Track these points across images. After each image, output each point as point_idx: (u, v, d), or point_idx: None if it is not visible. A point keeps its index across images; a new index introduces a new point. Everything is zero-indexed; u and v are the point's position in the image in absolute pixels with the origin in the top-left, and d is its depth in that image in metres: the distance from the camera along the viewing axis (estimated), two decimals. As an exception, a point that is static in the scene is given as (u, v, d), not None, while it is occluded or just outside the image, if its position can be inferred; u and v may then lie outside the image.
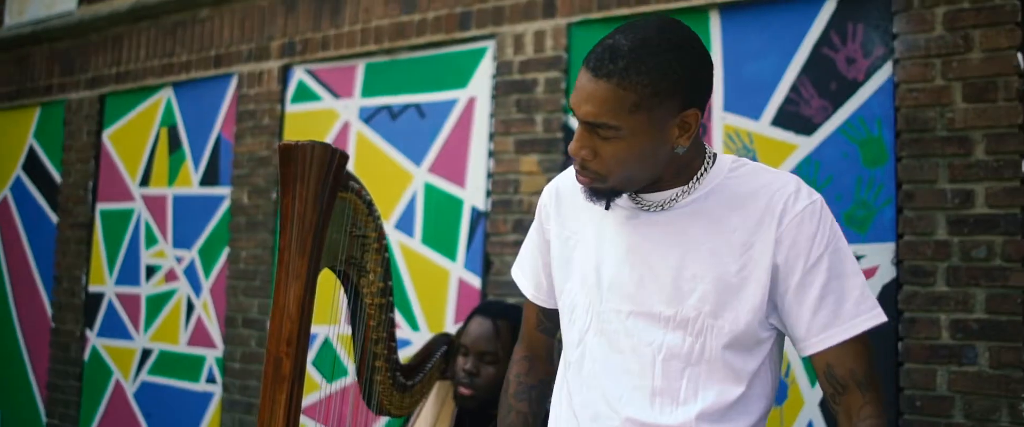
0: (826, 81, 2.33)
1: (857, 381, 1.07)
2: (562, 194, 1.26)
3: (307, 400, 3.11)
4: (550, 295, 1.32)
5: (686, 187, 1.12)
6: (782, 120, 2.39)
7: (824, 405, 2.25)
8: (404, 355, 2.45)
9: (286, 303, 1.43)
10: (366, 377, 1.70)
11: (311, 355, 3.14)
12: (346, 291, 1.70)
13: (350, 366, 2.03)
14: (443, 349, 2.04)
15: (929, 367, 2.10)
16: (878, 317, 1.07)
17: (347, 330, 1.83)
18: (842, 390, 1.07)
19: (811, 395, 2.27)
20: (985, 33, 2.11)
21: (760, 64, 2.41)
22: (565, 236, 1.23)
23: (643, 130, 1.03)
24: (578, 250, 1.21)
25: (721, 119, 2.46)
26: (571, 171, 1.27)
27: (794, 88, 2.37)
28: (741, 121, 2.43)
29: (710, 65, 1.09)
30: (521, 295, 1.41)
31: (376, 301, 1.71)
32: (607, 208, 1.17)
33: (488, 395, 1.90)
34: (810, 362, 1.11)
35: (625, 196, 1.15)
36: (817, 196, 1.10)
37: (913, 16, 2.20)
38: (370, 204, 1.63)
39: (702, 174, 1.13)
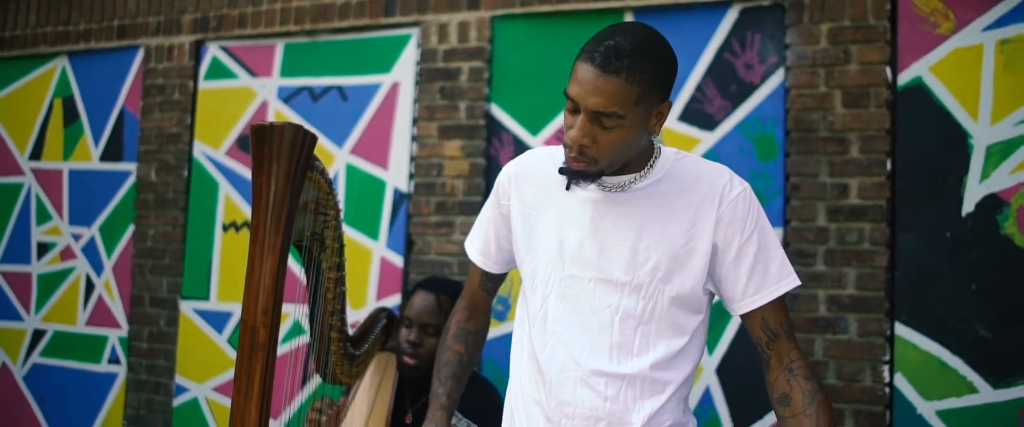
0: (727, 83, 2.59)
1: (785, 330, 1.30)
2: (523, 175, 1.42)
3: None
4: (496, 262, 1.52)
5: (640, 173, 1.32)
6: (687, 116, 2.64)
7: (720, 372, 2.53)
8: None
9: (261, 276, 1.51)
10: (324, 348, 1.79)
11: (227, 332, 3.13)
12: (306, 266, 1.78)
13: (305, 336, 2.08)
14: (383, 322, 2.15)
15: (809, 336, 2.42)
16: (794, 281, 1.32)
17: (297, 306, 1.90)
18: (774, 338, 1.30)
19: (709, 363, 2.55)
20: (861, 48, 2.44)
21: (669, 64, 2.64)
22: (526, 212, 1.39)
23: (639, 120, 1.21)
24: (540, 225, 1.37)
25: (634, 113, 2.68)
26: (531, 155, 1.45)
27: (699, 88, 2.63)
28: (652, 116, 2.67)
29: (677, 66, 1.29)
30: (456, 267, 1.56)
31: (333, 275, 1.80)
32: (568, 188, 1.34)
33: (430, 364, 2.03)
34: (744, 319, 1.33)
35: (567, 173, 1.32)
36: (746, 184, 1.32)
37: (802, 30, 2.50)
38: (331, 184, 1.73)
39: (653, 162, 1.33)
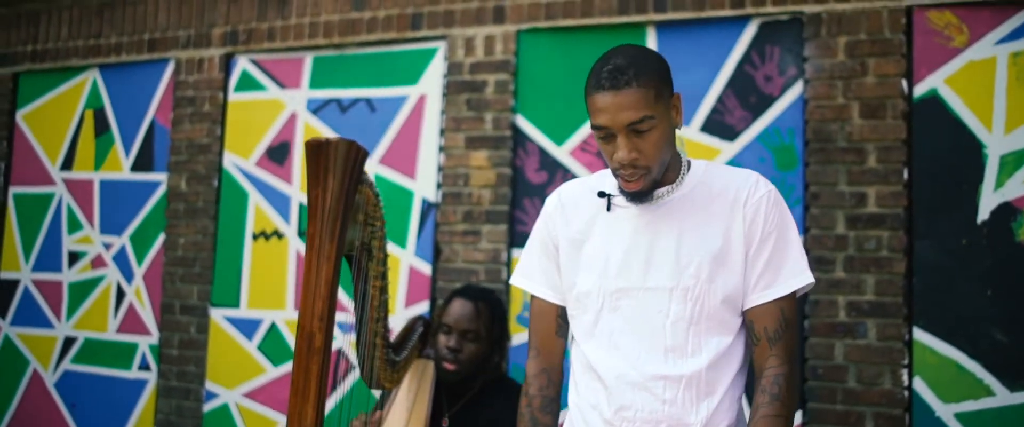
0: (747, 95, 2.68)
1: (768, 337, 1.36)
2: (566, 203, 1.50)
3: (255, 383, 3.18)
4: (564, 292, 1.51)
5: (673, 185, 1.41)
6: (709, 127, 2.72)
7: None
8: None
9: (318, 284, 1.59)
10: (370, 354, 1.86)
11: (258, 339, 3.21)
12: (355, 275, 1.86)
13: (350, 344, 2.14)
14: (420, 330, 2.23)
15: (829, 341, 2.50)
16: (805, 280, 1.37)
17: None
18: (755, 342, 1.38)
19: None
20: (878, 61, 2.52)
21: (691, 77, 2.73)
22: (572, 237, 1.48)
23: (665, 113, 1.33)
24: (586, 247, 1.45)
25: (656, 124, 2.77)
26: (570, 186, 1.54)
27: (720, 99, 2.71)
28: (674, 127, 2.75)
29: None
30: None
31: (378, 284, 1.88)
32: (609, 209, 1.43)
33: (469, 370, 2.11)
34: (744, 315, 1.39)
35: (625, 197, 1.41)
36: (772, 187, 1.41)
37: (821, 43, 2.58)
38: (378, 196, 1.81)
39: (685, 173, 1.42)
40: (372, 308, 1.86)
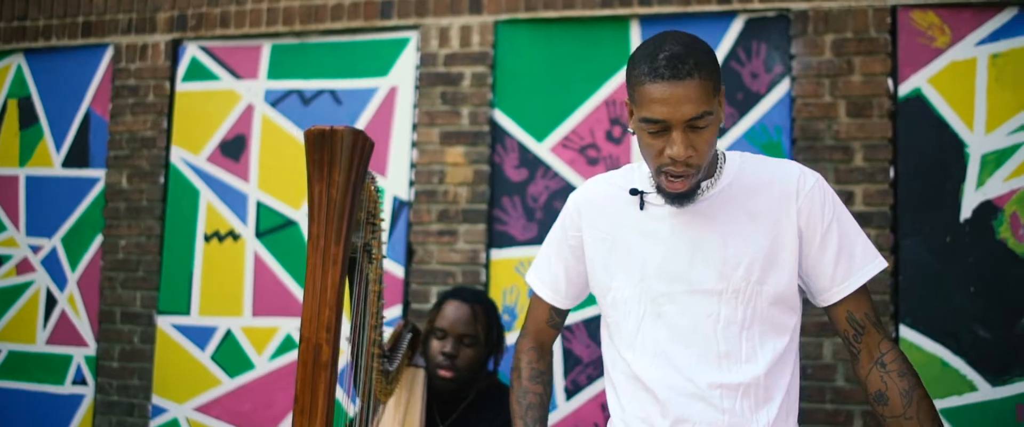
0: (733, 91, 2.64)
1: (872, 321, 1.31)
2: (592, 203, 1.40)
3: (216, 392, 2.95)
4: (566, 297, 1.50)
5: (711, 180, 1.31)
6: (694, 124, 2.66)
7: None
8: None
9: (324, 289, 1.43)
10: (368, 365, 1.71)
11: (211, 349, 2.97)
12: (353, 278, 1.70)
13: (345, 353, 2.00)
14: (409, 337, 2.08)
15: (818, 340, 2.48)
16: (881, 263, 1.32)
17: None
18: (861, 330, 1.30)
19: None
20: (864, 60, 2.52)
21: (676, 73, 2.67)
22: (602, 240, 1.37)
23: (719, 107, 1.23)
24: (618, 250, 1.35)
25: (641, 121, 2.70)
26: (593, 183, 1.43)
27: (705, 96, 2.66)
28: (659, 123, 2.68)
29: None
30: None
31: (376, 288, 1.73)
32: (642, 208, 1.33)
33: (467, 376, 1.97)
34: (828, 311, 1.33)
35: (663, 197, 1.31)
36: (817, 174, 1.34)
37: (807, 41, 2.56)
38: (379, 192, 1.66)
39: (722, 166, 1.33)
40: (371, 314, 1.71)
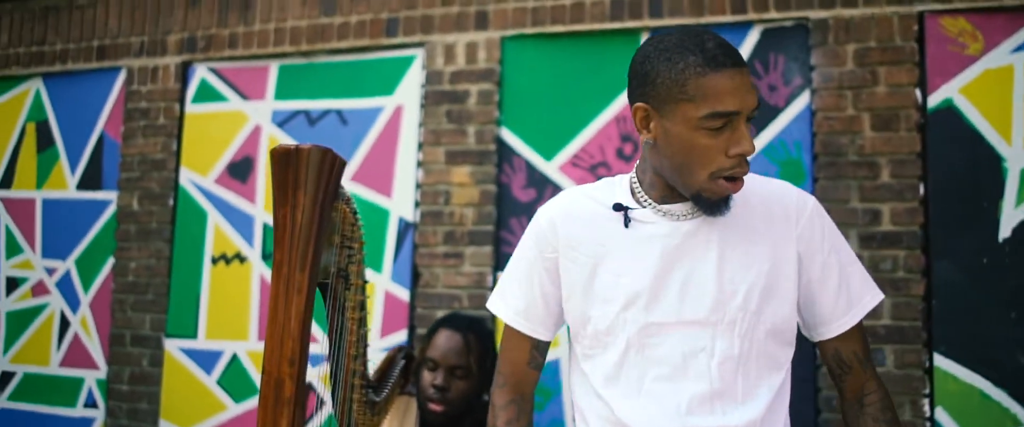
0: (750, 105, 2.50)
1: (860, 360, 1.20)
2: (569, 219, 1.24)
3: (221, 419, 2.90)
4: (544, 324, 1.29)
5: None
6: (709, 140, 2.54)
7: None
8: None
9: (287, 320, 1.35)
10: (346, 396, 1.62)
11: (217, 373, 2.92)
12: (329, 305, 1.62)
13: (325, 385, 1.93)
14: (402, 364, 1.99)
15: (843, 369, 2.31)
16: (879, 295, 1.22)
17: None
18: (848, 370, 1.20)
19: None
20: (889, 70, 2.37)
21: (689, 87, 2.55)
22: (579, 259, 1.21)
23: None
24: (600, 272, 1.20)
25: (652, 137, 2.58)
26: (567, 196, 1.28)
27: (720, 111, 2.53)
28: (671, 140, 2.56)
29: None
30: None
31: (356, 316, 1.65)
32: (627, 225, 1.20)
33: (458, 410, 1.87)
34: (821, 346, 1.22)
35: (650, 210, 1.19)
36: (813, 198, 1.22)
37: (828, 51, 2.42)
38: (356, 213, 1.58)
39: None
40: (349, 343, 1.62)
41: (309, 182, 1.37)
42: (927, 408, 2.25)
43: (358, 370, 1.67)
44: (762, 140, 2.48)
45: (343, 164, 1.44)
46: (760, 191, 1.20)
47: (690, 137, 1.08)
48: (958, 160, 2.31)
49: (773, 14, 2.47)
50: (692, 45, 1.08)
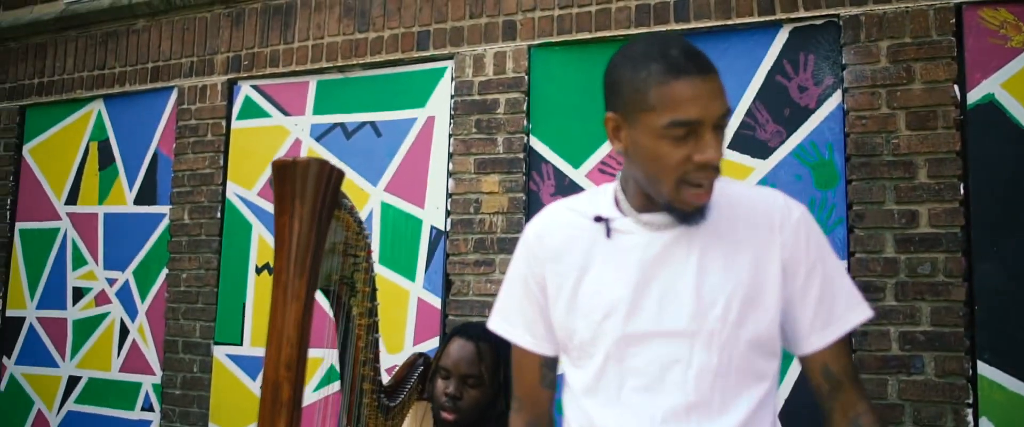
0: (780, 107, 2.45)
1: (849, 376, 1.14)
2: (553, 233, 1.23)
3: None
4: (548, 340, 1.26)
5: None
6: (738, 144, 2.49)
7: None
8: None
9: (284, 326, 1.40)
10: (356, 401, 1.67)
11: (262, 379, 3.03)
12: (335, 312, 1.67)
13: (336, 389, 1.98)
14: (420, 369, 2.02)
15: (880, 377, 2.23)
16: (866, 311, 1.16)
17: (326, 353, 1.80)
18: (838, 387, 1.15)
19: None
20: (925, 66, 2.28)
21: (717, 89, 2.51)
22: (564, 272, 1.21)
23: None
24: (583, 286, 1.19)
25: (680, 142, 2.55)
26: (550, 212, 1.26)
27: (749, 113, 2.48)
28: (700, 144, 2.53)
29: None
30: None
31: (364, 322, 1.69)
32: (608, 236, 1.19)
33: (470, 419, 1.89)
34: (803, 361, 1.17)
35: (630, 220, 1.17)
36: (803, 207, 1.18)
37: (860, 48, 2.35)
38: (361, 223, 1.62)
39: None
40: (357, 349, 1.67)
41: (307, 193, 1.42)
42: (970, 418, 2.14)
43: (368, 375, 1.72)
44: (792, 143, 2.42)
45: (341, 175, 1.48)
46: (747, 199, 1.17)
47: (655, 146, 1.06)
48: (1000, 158, 2.20)
49: (802, 12, 2.42)
50: (655, 53, 1.06)
